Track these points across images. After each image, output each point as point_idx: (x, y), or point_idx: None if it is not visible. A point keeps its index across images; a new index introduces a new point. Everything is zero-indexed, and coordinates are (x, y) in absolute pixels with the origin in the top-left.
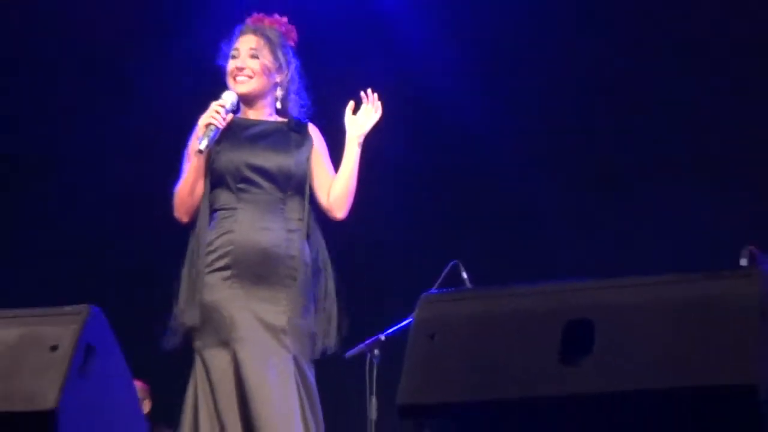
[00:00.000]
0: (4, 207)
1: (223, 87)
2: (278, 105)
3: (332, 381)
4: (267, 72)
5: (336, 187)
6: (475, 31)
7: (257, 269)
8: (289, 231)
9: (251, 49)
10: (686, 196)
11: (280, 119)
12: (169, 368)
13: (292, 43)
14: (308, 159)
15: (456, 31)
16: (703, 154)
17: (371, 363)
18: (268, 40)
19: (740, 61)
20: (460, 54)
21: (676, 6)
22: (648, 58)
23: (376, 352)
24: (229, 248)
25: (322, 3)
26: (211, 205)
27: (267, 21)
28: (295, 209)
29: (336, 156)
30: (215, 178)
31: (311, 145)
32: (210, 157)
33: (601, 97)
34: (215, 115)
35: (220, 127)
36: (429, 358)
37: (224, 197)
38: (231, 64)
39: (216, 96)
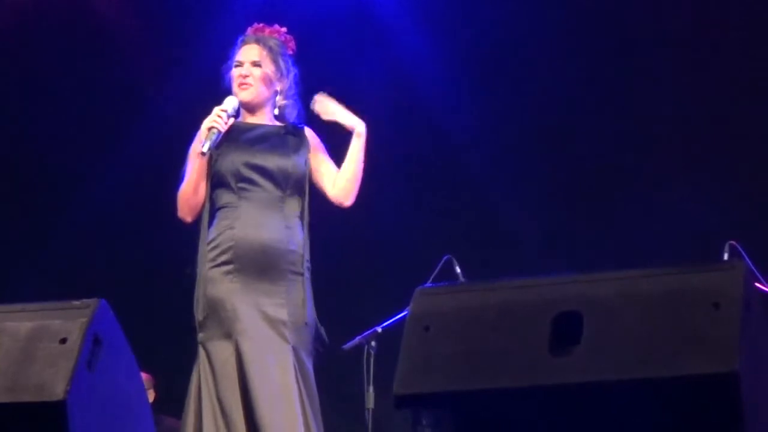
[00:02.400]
0: (16, 206)
1: (226, 93)
2: (276, 111)
3: (331, 372)
4: (269, 80)
5: (341, 176)
6: (465, 35)
7: (258, 263)
8: (289, 227)
9: (254, 58)
10: (669, 194)
11: (278, 124)
12: (173, 360)
13: (290, 52)
14: (306, 161)
15: (448, 35)
16: (683, 153)
17: (368, 354)
18: (270, 50)
19: (721, 59)
20: (453, 56)
21: (659, 6)
22: (631, 58)
23: (373, 343)
24: (230, 244)
25: (316, 6)
26: (213, 205)
27: (267, 31)
28: (294, 207)
29: (335, 156)
30: (217, 178)
31: (308, 147)
32: (212, 159)
33: (586, 97)
34: (217, 119)
35: (222, 130)
36: (424, 350)
37: (226, 196)
38: (235, 72)
39: (219, 101)
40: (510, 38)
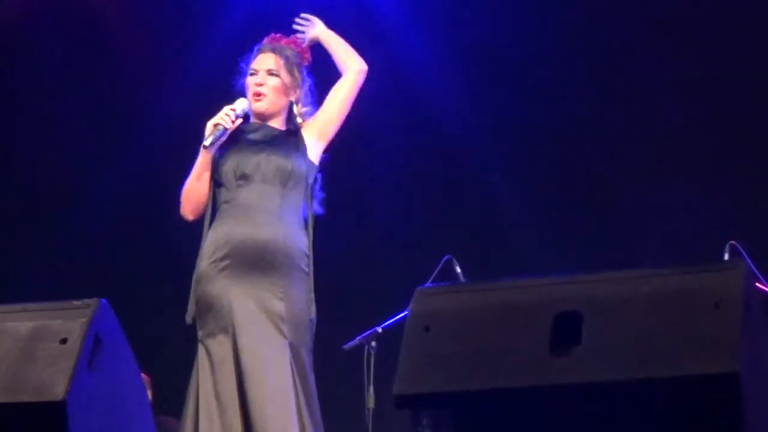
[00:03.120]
0: (17, 206)
1: (232, 95)
2: (298, 120)
3: (331, 372)
4: (284, 90)
5: (341, 65)
6: (465, 34)
7: (254, 260)
8: (288, 224)
9: (270, 67)
10: (669, 195)
11: (280, 128)
12: (172, 359)
13: (306, 63)
14: (306, 158)
15: (447, 34)
16: (683, 153)
17: (369, 354)
18: (287, 59)
19: (723, 58)
20: (453, 54)
21: (660, 7)
22: (632, 58)
23: (373, 344)
24: (227, 240)
25: (314, 5)
26: (214, 204)
27: (284, 41)
28: (294, 203)
29: (336, 157)
30: (217, 177)
31: (305, 143)
32: (215, 159)
33: (587, 97)
34: (225, 117)
35: (228, 128)
36: (424, 350)
37: (224, 194)
38: (250, 81)
39: (227, 104)
40: (510, 37)
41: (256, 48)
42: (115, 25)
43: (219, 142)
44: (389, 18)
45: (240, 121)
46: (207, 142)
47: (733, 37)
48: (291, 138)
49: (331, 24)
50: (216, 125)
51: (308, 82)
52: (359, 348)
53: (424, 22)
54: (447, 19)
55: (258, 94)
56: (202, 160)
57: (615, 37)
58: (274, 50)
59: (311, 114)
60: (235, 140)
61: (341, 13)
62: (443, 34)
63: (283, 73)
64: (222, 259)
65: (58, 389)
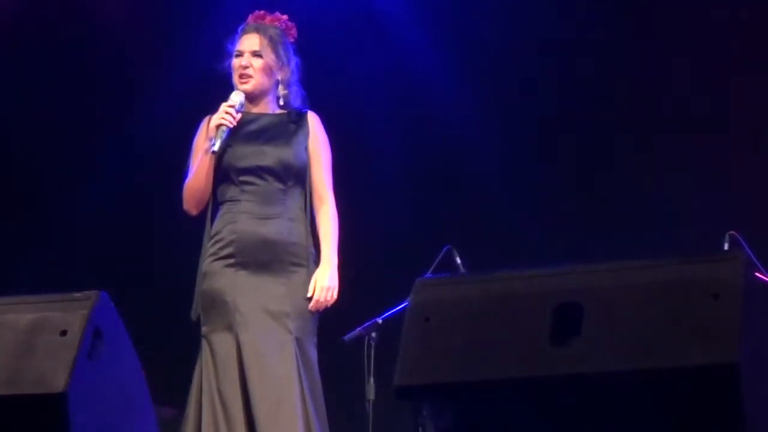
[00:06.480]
0: (17, 198)
1: (228, 85)
2: (281, 102)
3: (331, 363)
4: (269, 70)
5: (322, 232)
6: (466, 29)
7: (260, 257)
8: (291, 219)
9: (254, 48)
10: (669, 185)
11: (280, 111)
12: (173, 350)
13: (292, 40)
14: (307, 148)
15: (450, 30)
16: (683, 143)
17: (369, 346)
18: (270, 39)
19: (723, 51)
20: (453, 49)
21: (662, 3)
22: (632, 52)
23: (373, 335)
24: (232, 237)
25: (318, 1)
26: (216, 199)
27: (268, 19)
28: (297, 198)
29: (336, 148)
30: (220, 173)
31: (308, 133)
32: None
33: (587, 90)
34: (226, 116)
35: (231, 126)
36: (424, 341)
37: (229, 191)
38: (235, 63)
39: (223, 96)
40: (511, 33)
41: (240, 28)
42: (111, 18)
43: (225, 143)
44: (390, 16)
45: (240, 115)
46: (216, 147)
47: (731, 32)
48: (292, 125)
49: (332, 23)
50: (219, 127)
51: (294, 59)
52: (359, 339)
53: (424, 17)
54: (446, 17)
55: (244, 76)
56: (208, 165)
57: (615, 31)
58: (257, 30)
59: (297, 95)
60: (235, 134)
61: (343, 7)
62: (442, 31)
63: (268, 53)
64: (227, 256)
65: (58, 381)
